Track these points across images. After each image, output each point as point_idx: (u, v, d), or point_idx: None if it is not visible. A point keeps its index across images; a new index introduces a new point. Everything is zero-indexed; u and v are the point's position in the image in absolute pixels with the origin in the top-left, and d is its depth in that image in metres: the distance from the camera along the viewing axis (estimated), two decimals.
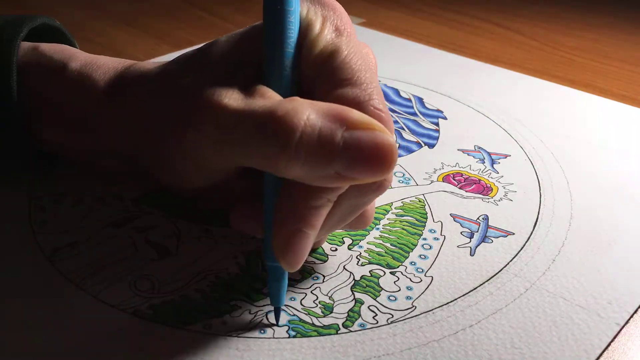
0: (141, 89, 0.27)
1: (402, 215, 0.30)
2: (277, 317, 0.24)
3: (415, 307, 0.25)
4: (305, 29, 0.24)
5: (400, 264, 0.27)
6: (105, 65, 0.29)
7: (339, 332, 0.24)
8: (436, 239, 0.29)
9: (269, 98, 0.22)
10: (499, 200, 0.32)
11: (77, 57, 0.29)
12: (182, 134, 0.24)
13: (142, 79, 0.27)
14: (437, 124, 0.39)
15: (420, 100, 0.42)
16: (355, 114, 0.21)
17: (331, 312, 0.25)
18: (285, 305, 0.25)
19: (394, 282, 0.26)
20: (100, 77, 0.28)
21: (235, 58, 0.25)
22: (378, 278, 0.26)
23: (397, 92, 0.43)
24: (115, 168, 0.31)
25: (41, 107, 0.29)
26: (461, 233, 0.29)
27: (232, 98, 0.23)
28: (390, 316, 0.24)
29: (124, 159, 0.29)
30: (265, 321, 0.24)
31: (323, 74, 0.24)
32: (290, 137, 0.21)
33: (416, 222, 0.30)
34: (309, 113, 0.21)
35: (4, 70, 0.28)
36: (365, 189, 0.23)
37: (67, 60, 0.29)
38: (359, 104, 0.23)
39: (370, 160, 0.21)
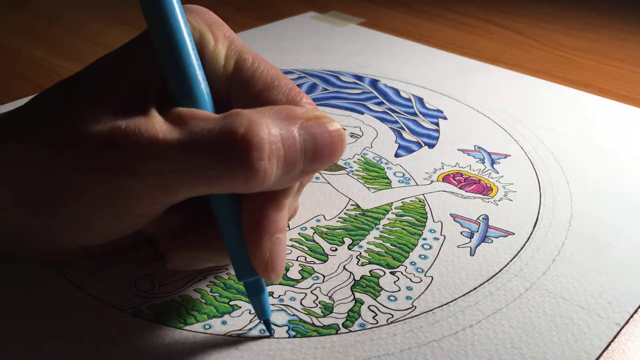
0: (18, 145, 0.22)
1: (402, 215, 0.30)
2: (269, 329, 0.23)
3: (415, 307, 0.25)
4: (198, 43, 0.22)
5: (400, 264, 0.27)
6: None
7: (339, 332, 0.24)
8: (436, 239, 0.29)
9: (205, 118, 0.20)
10: (499, 200, 0.32)
11: None
12: (109, 187, 0.20)
13: (17, 132, 0.22)
14: (437, 124, 0.39)
15: (420, 100, 0.42)
16: (300, 110, 0.22)
17: (331, 312, 0.25)
18: (285, 305, 0.25)
19: (394, 282, 0.26)
20: None
21: (128, 81, 0.22)
22: (378, 278, 0.26)
23: (397, 92, 0.43)
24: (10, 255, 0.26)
25: None
26: (461, 233, 0.29)
27: (165, 130, 0.20)
28: (390, 316, 0.24)
29: (6, 245, 0.24)
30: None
31: (237, 86, 0.23)
32: (262, 153, 0.20)
33: (416, 222, 0.30)
34: (265, 121, 0.20)
35: None
36: (307, 179, 0.24)
37: None
38: (290, 104, 0.23)
39: (328, 149, 0.22)
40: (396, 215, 0.30)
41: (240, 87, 0.23)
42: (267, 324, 0.23)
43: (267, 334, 0.23)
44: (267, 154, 0.20)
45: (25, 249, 0.25)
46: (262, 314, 0.23)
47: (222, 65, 0.23)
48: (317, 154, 0.21)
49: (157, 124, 0.20)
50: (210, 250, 0.24)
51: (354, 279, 0.26)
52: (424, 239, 0.29)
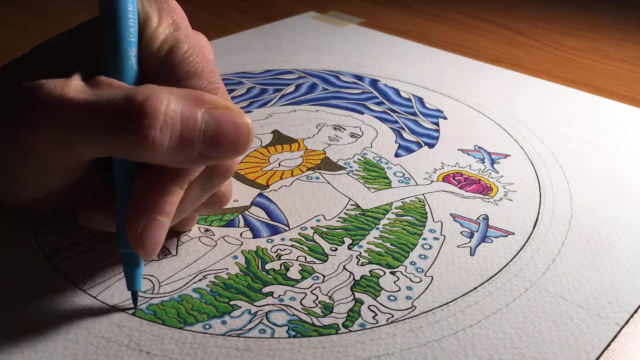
0: None
1: (402, 215, 0.30)
2: (134, 301, 0.24)
3: (415, 307, 0.25)
4: (142, 22, 0.24)
5: (400, 263, 0.27)
6: None
7: (339, 332, 0.24)
8: (436, 238, 0.29)
9: (118, 87, 0.22)
10: (499, 200, 0.32)
11: None
12: (24, 137, 0.22)
13: None
14: (437, 124, 0.39)
15: (420, 100, 0.42)
16: (211, 97, 0.22)
17: (331, 312, 0.25)
18: (285, 305, 0.25)
19: (394, 282, 0.26)
20: None
21: (68, 52, 0.25)
22: (378, 278, 0.26)
23: (397, 92, 0.43)
24: None
25: None
26: (461, 233, 0.29)
27: (77, 91, 0.21)
28: (390, 316, 0.24)
29: None
30: (265, 321, 0.24)
31: (165, 68, 0.24)
32: (154, 122, 0.21)
33: (416, 222, 0.30)
34: (168, 97, 0.21)
35: None
36: (214, 172, 0.24)
37: None
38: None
39: (230, 138, 0.22)
40: (396, 215, 0.30)
41: (167, 70, 0.24)
42: (134, 296, 0.24)
43: (266, 331, 0.23)
44: (160, 125, 0.21)
45: None
46: (132, 285, 0.24)
47: (157, 47, 0.24)
48: (217, 141, 0.22)
49: (72, 85, 0.22)
50: (111, 216, 0.24)
51: (354, 278, 0.26)
52: (424, 238, 0.29)
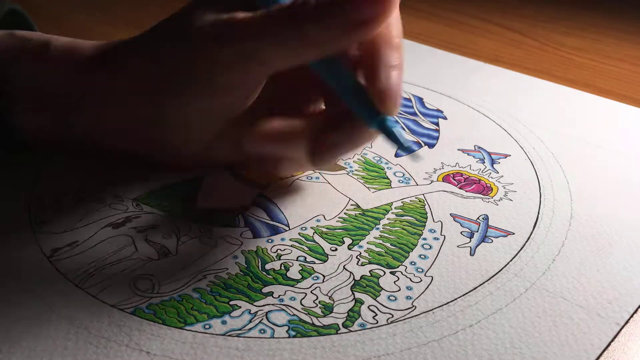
0: (137, 44, 0.28)
1: (402, 215, 0.30)
2: (413, 153, 0.27)
3: (415, 307, 0.25)
4: None
5: (400, 263, 0.27)
6: (87, 42, 0.29)
7: (339, 332, 0.24)
8: (436, 238, 0.29)
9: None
10: (499, 200, 0.32)
11: (57, 37, 0.29)
12: (209, 55, 0.25)
13: (134, 39, 0.28)
14: (437, 124, 0.39)
15: (420, 100, 0.42)
16: None
17: (331, 312, 0.25)
18: (285, 305, 0.25)
19: (394, 282, 0.26)
20: (87, 49, 0.28)
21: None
22: (378, 278, 0.26)
23: None
24: (105, 149, 0.31)
25: (22, 95, 0.28)
26: (461, 233, 0.29)
27: (244, 14, 0.25)
28: (390, 316, 0.24)
29: (119, 142, 0.29)
30: (265, 321, 0.24)
31: None
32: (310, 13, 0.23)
33: (416, 222, 0.30)
34: None
35: None
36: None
37: (49, 40, 0.29)
38: None
39: None
40: (396, 215, 0.30)
41: None
42: (411, 151, 0.25)
43: (266, 331, 0.23)
44: (311, 15, 0.24)
45: (152, 151, 0.30)
46: (403, 145, 0.25)
47: None
48: None
49: (238, 12, 0.25)
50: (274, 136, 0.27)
51: (354, 278, 0.26)
52: (424, 238, 0.29)
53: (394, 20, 0.26)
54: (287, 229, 0.29)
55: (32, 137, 0.30)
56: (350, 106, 0.25)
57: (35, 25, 0.34)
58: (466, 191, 0.32)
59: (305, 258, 0.27)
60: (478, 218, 0.30)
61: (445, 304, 0.25)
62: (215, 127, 0.29)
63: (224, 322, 0.24)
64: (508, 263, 0.27)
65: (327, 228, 0.29)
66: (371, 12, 0.24)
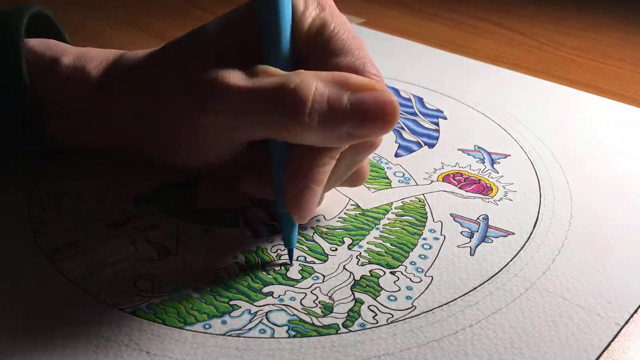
0: (136, 79, 0.28)
1: (402, 215, 0.30)
2: (290, 257, 0.27)
3: (415, 307, 0.25)
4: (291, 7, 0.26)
5: (400, 263, 0.27)
6: (96, 57, 0.30)
7: (339, 332, 0.24)
8: (436, 238, 0.29)
9: (273, 74, 0.24)
10: (499, 200, 0.32)
11: (68, 52, 0.30)
12: (195, 119, 0.25)
13: (135, 69, 0.28)
14: (437, 124, 0.39)
15: (420, 100, 0.42)
16: (355, 78, 0.24)
17: (331, 312, 0.25)
18: (285, 305, 0.25)
19: (394, 282, 0.26)
20: (93, 70, 0.29)
21: (225, 40, 0.27)
22: (378, 278, 0.26)
23: (397, 92, 0.43)
24: (123, 155, 0.32)
25: (40, 103, 0.29)
26: (461, 233, 0.29)
27: (238, 79, 0.24)
28: (390, 316, 0.24)
29: (125, 148, 0.30)
30: (265, 321, 0.24)
31: (315, 48, 0.26)
32: (304, 106, 0.23)
33: (416, 222, 0.30)
34: (316, 82, 0.23)
35: (14, 68, 0.28)
36: (360, 147, 0.26)
37: (59, 56, 0.29)
38: (355, 71, 0.25)
39: (376, 117, 0.24)
40: (396, 215, 0.30)
41: (317, 50, 0.26)
42: (290, 252, 0.27)
43: (266, 331, 0.23)
44: (309, 109, 0.23)
45: (143, 156, 0.31)
46: (287, 242, 0.27)
47: (306, 29, 0.26)
48: (363, 120, 0.24)
49: (232, 74, 0.25)
50: (267, 186, 0.27)
51: (354, 278, 0.26)
52: (424, 238, 0.29)
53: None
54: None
55: (54, 144, 0.31)
56: (274, 185, 0.26)
57: (63, 31, 0.34)
58: (466, 191, 0.32)
59: (305, 258, 0.27)
60: (478, 218, 0.30)
61: (445, 304, 0.25)
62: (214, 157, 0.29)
63: (224, 322, 0.24)
64: (508, 263, 0.27)
65: (327, 228, 0.29)
66: (372, 134, 0.24)
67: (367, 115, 0.24)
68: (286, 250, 0.28)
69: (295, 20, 0.26)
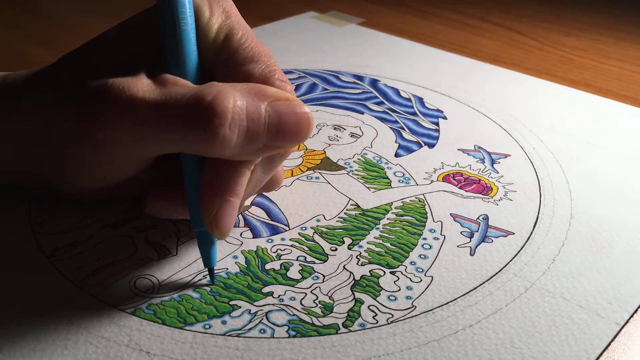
0: (30, 99, 0.25)
1: (402, 215, 0.30)
2: (211, 277, 0.26)
3: (415, 307, 0.25)
4: (195, 14, 0.25)
5: (400, 263, 0.27)
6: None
7: (339, 332, 0.24)
8: (436, 238, 0.29)
9: (184, 86, 0.23)
10: (499, 200, 0.32)
11: None
12: (95, 135, 0.23)
13: (27, 89, 0.26)
14: (437, 124, 0.39)
15: (420, 100, 0.42)
16: (271, 89, 0.23)
17: (331, 312, 0.25)
18: (285, 305, 0.25)
19: (394, 281, 0.26)
20: None
21: (129, 46, 0.25)
22: (378, 278, 0.26)
23: (397, 92, 0.43)
24: (19, 183, 0.29)
25: None
26: (461, 233, 0.29)
27: (146, 91, 0.22)
28: (390, 316, 0.24)
29: (21, 175, 0.27)
30: (265, 321, 0.24)
31: (222, 56, 0.25)
32: (224, 120, 0.22)
33: (416, 221, 0.30)
34: (233, 94, 0.22)
35: None
36: (274, 156, 0.25)
37: None
38: (265, 79, 0.24)
39: (292, 128, 0.23)
40: (396, 215, 0.30)
41: (225, 58, 0.25)
42: (211, 272, 0.26)
43: (266, 331, 0.23)
44: (229, 123, 0.22)
45: (48, 184, 0.28)
46: (208, 262, 0.25)
47: (213, 37, 0.25)
48: (280, 131, 0.23)
49: (139, 85, 0.23)
50: (178, 204, 0.26)
51: (354, 278, 0.26)
52: (424, 238, 0.29)
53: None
54: (287, 229, 0.29)
55: None
56: (188, 201, 0.25)
57: None
58: (466, 191, 0.32)
59: (305, 258, 0.27)
60: (478, 218, 0.30)
61: (445, 304, 0.25)
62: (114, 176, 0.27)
63: (224, 322, 0.24)
64: (508, 263, 0.27)
65: (327, 228, 0.29)
66: (288, 145, 0.24)
67: (285, 126, 0.23)
68: (286, 250, 0.28)
69: (200, 28, 0.25)
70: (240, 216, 0.30)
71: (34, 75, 0.26)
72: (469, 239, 0.29)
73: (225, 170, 0.24)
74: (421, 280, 0.26)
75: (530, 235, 0.29)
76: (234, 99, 0.22)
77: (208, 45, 0.25)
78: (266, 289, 0.26)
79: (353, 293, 0.26)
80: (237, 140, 0.22)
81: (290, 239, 0.29)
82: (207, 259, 0.25)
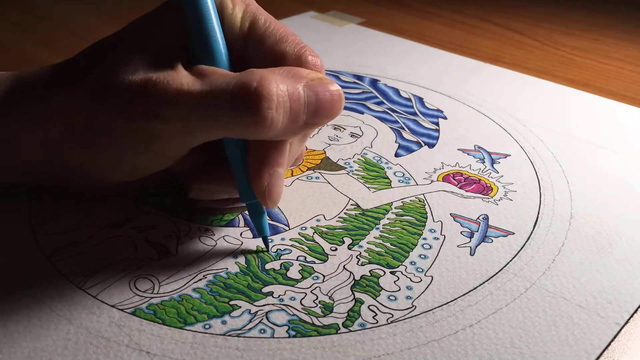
0: (54, 101, 0.25)
1: (402, 215, 0.30)
2: (266, 245, 0.28)
3: (415, 306, 0.25)
4: (219, 7, 0.26)
5: (400, 263, 0.27)
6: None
7: (339, 332, 0.24)
8: (436, 238, 0.29)
9: (222, 75, 0.24)
10: (499, 200, 0.32)
11: None
12: (145, 130, 0.24)
13: (45, 91, 0.25)
14: (437, 124, 0.39)
15: (420, 100, 0.42)
16: (304, 71, 0.25)
17: (331, 312, 0.25)
18: (285, 305, 0.25)
19: (394, 281, 0.26)
20: None
21: (157, 42, 0.25)
22: (378, 278, 0.26)
23: (397, 92, 0.43)
24: (43, 184, 0.29)
25: None
26: (461, 233, 0.29)
27: (189, 82, 0.23)
28: (390, 316, 0.24)
29: (44, 175, 0.28)
30: (265, 321, 0.24)
31: (252, 42, 0.26)
32: (271, 103, 0.23)
33: (416, 221, 0.30)
34: (275, 77, 0.24)
35: None
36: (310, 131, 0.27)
37: None
38: (297, 56, 0.26)
39: (328, 105, 0.25)
40: (396, 215, 0.30)
41: (254, 44, 0.26)
42: (265, 240, 0.28)
43: (266, 331, 0.23)
44: (275, 105, 0.23)
45: (73, 182, 0.28)
46: (262, 231, 0.27)
47: (239, 26, 0.26)
48: (318, 109, 0.25)
49: (182, 77, 0.24)
50: (222, 183, 0.28)
51: (354, 278, 0.26)
52: (424, 238, 0.29)
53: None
54: (287, 229, 0.29)
55: None
56: (236, 178, 0.26)
57: None
58: (466, 191, 0.32)
59: (305, 258, 0.27)
60: (478, 218, 0.30)
61: (445, 304, 0.25)
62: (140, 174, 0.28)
63: (224, 322, 0.24)
64: (508, 263, 0.27)
65: (327, 228, 0.29)
66: (325, 122, 0.26)
67: (321, 104, 0.25)
68: (286, 251, 0.28)
69: (225, 18, 0.26)
70: (240, 216, 0.30)
71: (57, 73, 0.26)
72: (469, 239, 0.29)
73: (269, 146, 0.25)
74: (421, 280, 0.26)
75: (530, 235, 0.29)
76: (277, 83, 0.23)
77: (236, 33, 0.26)
78: (266, 289, 0.26)
79: (353, 293, 0.26)
80: (282, 121, 0.24)
81: (290, 239, 0.29)
82: (260, 229, 0.27)
